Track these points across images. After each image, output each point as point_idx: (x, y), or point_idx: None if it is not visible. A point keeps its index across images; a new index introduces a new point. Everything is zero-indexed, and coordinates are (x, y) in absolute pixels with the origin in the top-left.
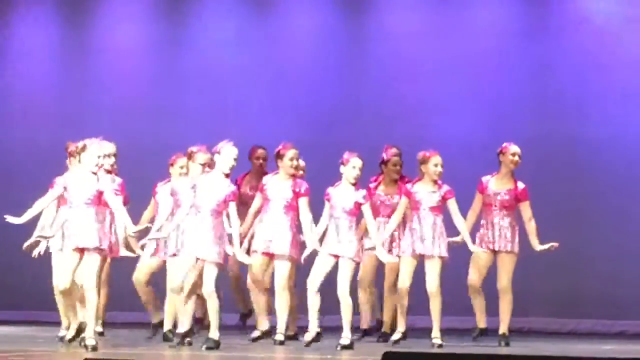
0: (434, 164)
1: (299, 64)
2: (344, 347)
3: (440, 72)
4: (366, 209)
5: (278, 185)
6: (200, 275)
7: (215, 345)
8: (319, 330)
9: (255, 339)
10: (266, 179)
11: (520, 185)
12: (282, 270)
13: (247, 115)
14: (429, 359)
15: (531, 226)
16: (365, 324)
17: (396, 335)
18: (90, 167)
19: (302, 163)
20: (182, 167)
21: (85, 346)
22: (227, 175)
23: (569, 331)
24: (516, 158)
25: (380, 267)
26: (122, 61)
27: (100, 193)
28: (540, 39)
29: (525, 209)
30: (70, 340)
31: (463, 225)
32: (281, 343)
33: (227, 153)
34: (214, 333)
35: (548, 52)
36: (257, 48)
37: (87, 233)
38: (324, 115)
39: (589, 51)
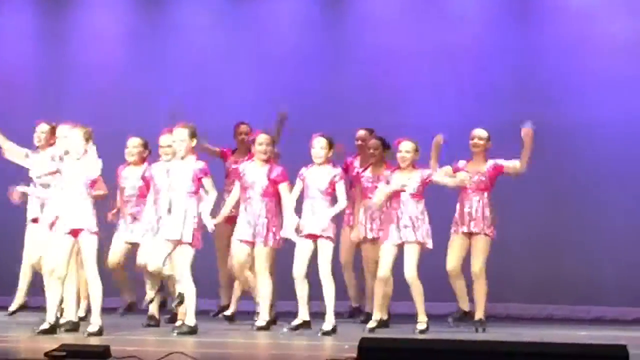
0: (399, 150)
1: (278, 50)
2: (325, 333)
3: (422, 59)
4: (339, 187)
5: (254, 172)
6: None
7: (191, 331)
8: (307, 319)
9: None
10: (243, 166)
11: (490, 162)
12: (261, 257)
13: (227, 102)
14: (405, 344)
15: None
16: (355, 301)
17: (372, 324)
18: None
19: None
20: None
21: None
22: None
23: (546, 317)
24: (474, 141)
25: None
26: (101, 47)
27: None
28: (523, 25)
29: (508, 166)
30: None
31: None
32: (262, 329)
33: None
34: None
35: (531, 37)
36: (236, 34)
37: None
38: (303, 100)
39: (572, 36)
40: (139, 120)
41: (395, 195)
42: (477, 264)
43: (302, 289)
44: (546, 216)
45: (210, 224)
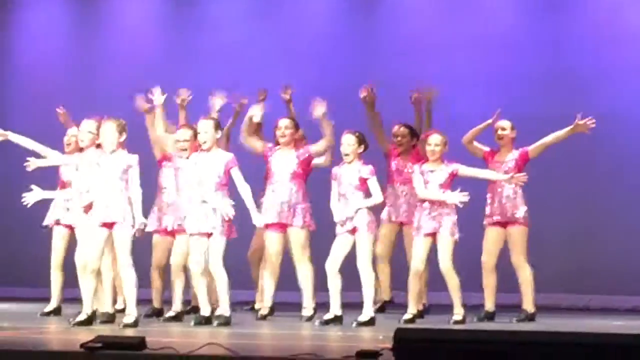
0: (428, 143)
1: (309, 41)
2: (361, 324)
3: (450, 50)
4: (371, 183)
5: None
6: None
7: (226, 321)
8: (339, 313)
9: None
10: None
11: (516, 152)
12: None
13: (255, 92)
14: (441, 335)
15: (547, 138)
16: (386, 295)
17: (408, 315)
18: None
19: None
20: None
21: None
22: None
23: (582, 307)
24: (498, 132)
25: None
26: (132, 39)
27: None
28: (552, 14)
29: (534, 151)
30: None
31: (489, 172)
32: (264, 318)
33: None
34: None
35: (559, 27)
36: (268, 24)
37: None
38: (333, 92)
39: (601, 26)
40: (168, 114)
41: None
42: (518, 254)
43: (336, 284)
44: (582, 206)
45: (259, 220)
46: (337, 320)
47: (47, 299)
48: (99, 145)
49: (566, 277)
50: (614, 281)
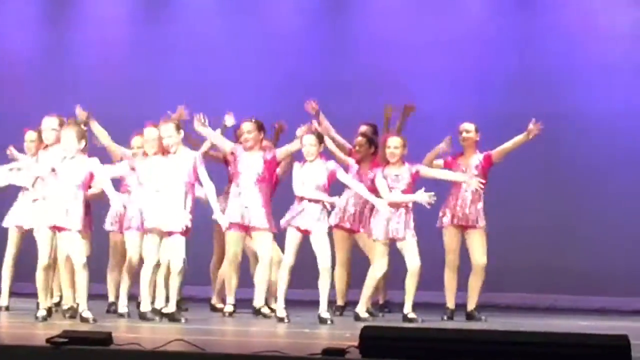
0: (387, 145)
1: (281, 37)
2: (323, 321)
3: (424, 46)
4: (341, 175)
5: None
6: None
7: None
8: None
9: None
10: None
11: (480, 155)
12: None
13: (228, 88)
14: (407, 333)
15: (507, 144)
16: (341, 299)
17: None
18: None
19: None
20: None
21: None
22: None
23: (547, 307)
24: (462, 135)
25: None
26: (104, 32)
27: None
28: (526, 12)
29: (496, 156)
30: None
31: (449, 173)
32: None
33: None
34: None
35: (534, 25)
36: (239, 19)
37: None
38: (305, 88)
39: (575, 24)
40: (140, 109)
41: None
42: (481, 257)
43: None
44: (549, 205)
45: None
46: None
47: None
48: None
49: (531, 277)
50: (579, 281)
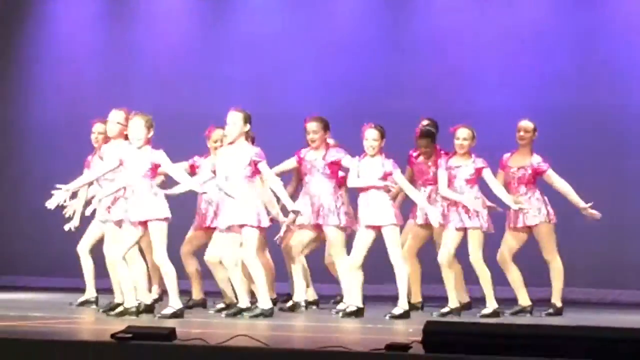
0: (456, 137)
1: (340, 35)
2: (394, 317)
3: (481, 43)
4: (397, 177)
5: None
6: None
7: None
8: (360, 305)
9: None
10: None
11: (535, 159)
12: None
13: (287, 86)
14: (470, 328)
15: (563, 187)
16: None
17: (445, 309)
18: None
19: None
20: (215, 142)
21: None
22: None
23: (611, 302)
24: (521, 133)
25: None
26: (165, 31)
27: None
28: (584, 7)
29: (548, 178)
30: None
31: (503, 192)
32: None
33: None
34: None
35: (591, 21)
36: (299, 18)
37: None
38: (363, 86)
39: (634, 19)
40: (201, 105)
41: (449, 183)
42: (549, 253)
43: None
44: (612, 201)
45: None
46: (359, 312)
47: (80, 289)
48: (127, 137)
49: (595, 272)
50: None
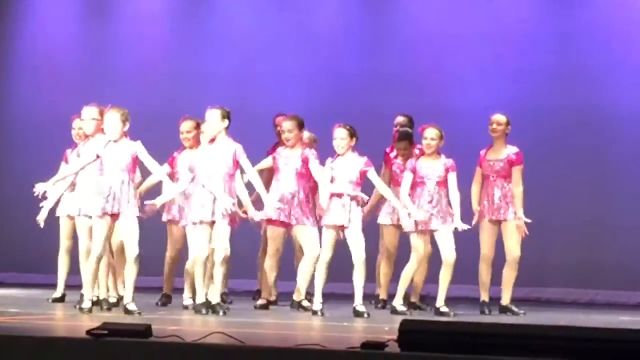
0: (424, 137)
1: (320, 32)
2: (357, 314)
3: (461, 42)
4: (372, 175)
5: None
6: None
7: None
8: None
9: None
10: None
11: (511, 150)
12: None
13: (267, 82)
14: (446, 327)
15: (516, 192)
16: (384, 293)
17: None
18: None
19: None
20: (182, 133)
21: None
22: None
23: (587, 302)
24: (493, 126)
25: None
26: (144, 26)
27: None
28: (563, 8)
29: (515, 173)
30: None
31: (457, 201)
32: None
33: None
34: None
35: (570, 21)
36: (279, 14)
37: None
38: (343, 83)
39: (613, 20)
40: (178, 102)
41: (419, 183)
42: (515, 250)
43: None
44: (589, 200)
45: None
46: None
47: (54, 285)
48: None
49: (571, 271)
50: (619, 276)
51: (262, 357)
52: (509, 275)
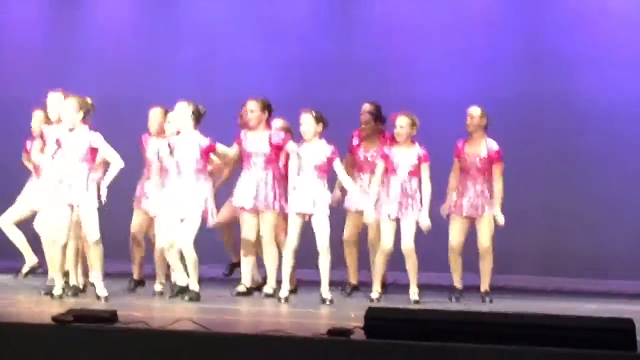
0: (395, 125)
1: (289, 20)
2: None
3: (431, 32)
4: (336, 165)
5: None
6: None
7: (196, 297)
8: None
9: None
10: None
11: (490, 145)
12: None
13: (234, 71)
14: (413, 315)
15: (496, 188)
16: (353, 279)
17: (375, 294)
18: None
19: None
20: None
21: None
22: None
23: (553, 289)
24: (468, 120)
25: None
26: (110, 14)
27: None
28: None
29: (495, 170)
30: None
31: (427, 194)
32: (268, 296)
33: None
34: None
35: (541, 11)
36: (246, 3)
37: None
38: (311, 72)
39: (583, 10)
40: (147, 89)
41: (390, 171)
42: (487, 241)
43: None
44: (556, 188)
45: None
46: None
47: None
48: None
49: (537, 259)
50: (585, 264)
51: (227, 343)
52: (485, 266)
